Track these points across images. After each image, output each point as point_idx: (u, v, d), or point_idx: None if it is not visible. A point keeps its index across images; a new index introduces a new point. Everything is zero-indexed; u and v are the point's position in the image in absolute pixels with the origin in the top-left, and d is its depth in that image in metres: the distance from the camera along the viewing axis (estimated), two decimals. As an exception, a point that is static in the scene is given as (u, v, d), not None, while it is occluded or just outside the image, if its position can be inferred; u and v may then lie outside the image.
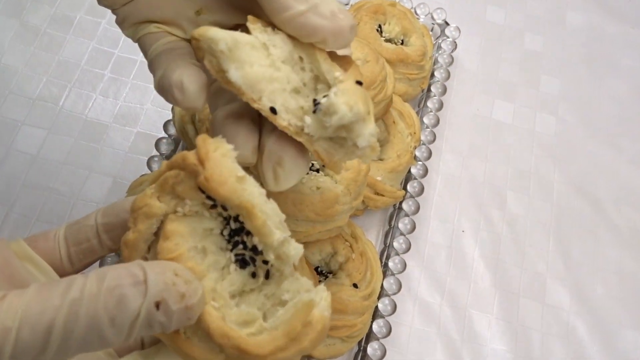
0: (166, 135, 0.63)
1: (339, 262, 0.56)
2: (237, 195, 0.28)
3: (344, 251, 0.56)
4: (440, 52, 0.73)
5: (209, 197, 0.29)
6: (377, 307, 0.57)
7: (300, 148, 0.32)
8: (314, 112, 0.31)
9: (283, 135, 0.32)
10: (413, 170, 0.65)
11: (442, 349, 0.60)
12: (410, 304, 0.62)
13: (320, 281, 0.55)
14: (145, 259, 0.31)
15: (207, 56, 0.31)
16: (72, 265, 0.33)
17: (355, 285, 0.55)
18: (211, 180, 0.28)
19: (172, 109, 0.62)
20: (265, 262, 0.30)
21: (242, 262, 0.30)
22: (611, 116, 0.76)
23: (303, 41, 0.31)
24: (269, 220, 0.29)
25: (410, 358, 0.59)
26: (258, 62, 0.30)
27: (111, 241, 0.34)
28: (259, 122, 0.33)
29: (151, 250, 0.31)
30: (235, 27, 0.33)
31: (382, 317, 0.57)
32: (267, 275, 0.30)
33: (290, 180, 0.32)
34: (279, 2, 0.29)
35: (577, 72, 0.79)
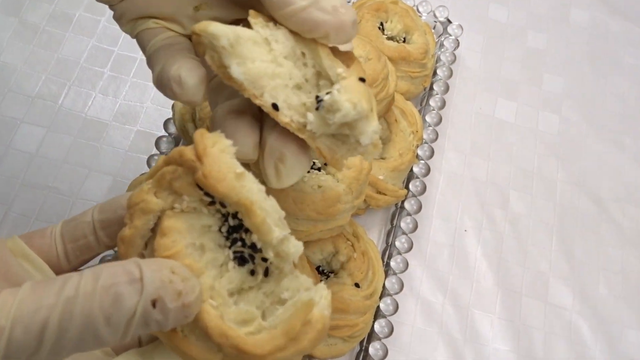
0: (166, 134, 0.63)
1: (341, 261, 0.55)
2: (236, 192, 0.28)
3: (345, 250, 0.55)
4: (442, 50, 0.73)
5: (207, 194, 0.29)
6: (378, 306, 0.57)
7: (302, 144, 0.32)
8: (317, 109, 0.31)
9: (285, 132, 0.32)
10: (415, 169, 0.65)
11: (445, 348, 0.60)
12: (412, 303, 0.61)
13: (321, 280, 0.54)
14: (142, 255, 0.30)
15: (208, 52, 0.30)
16: (68, 262, 0.33)
17: (357, 285, 0.54)
18: (209, 177, 0.27)
19: (173, 107, 0.62)
20: (265, 259, 0.29)
21: (240, 260, 0.30)
22: (615, 114, 0.76)
23: (305, 36, 0.31)
24: (268, 217, 0.28)
25: (412, 358, 0.59)
26: (260, 57, 0.30)
27: (108, 238, 0.33)
28: (260, 118, 0.33)
29: (148, 246, 0.30)
30: (234, 22, 0.33)
31: (384, 316, 0.57)
32: (266, 273, 0.30)
33: (292, 177, 0.32)
34: None
35: (581, 70, 0.78)
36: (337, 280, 0.55)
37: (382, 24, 0.68)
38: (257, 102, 0.30)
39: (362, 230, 0.58)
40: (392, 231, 0.63)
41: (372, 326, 0.56)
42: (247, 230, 0.29)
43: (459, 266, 0.64)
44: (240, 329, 0.28)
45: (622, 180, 0.71)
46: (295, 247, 0.29)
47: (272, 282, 0.30)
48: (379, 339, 0.56)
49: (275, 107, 0.31)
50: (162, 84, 0.31)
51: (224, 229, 0.30)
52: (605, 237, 0.68)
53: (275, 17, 0.30)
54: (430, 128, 0.67)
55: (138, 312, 0.24)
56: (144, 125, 0.67)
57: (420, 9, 0.75)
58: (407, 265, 0.59)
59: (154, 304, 0.25)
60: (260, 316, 0.29)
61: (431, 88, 0.71)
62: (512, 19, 0.80)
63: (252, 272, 0.30)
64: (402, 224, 0.61)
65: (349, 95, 0.29)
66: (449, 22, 0.75)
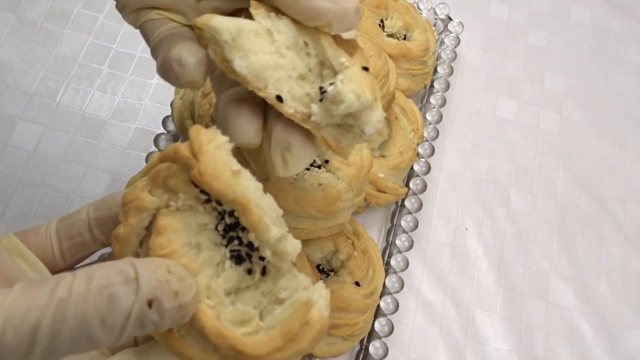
0: (165, 131, 0.62)
1: (341, 259, 0.55)
2: (232, 189, 0.27)
3: (345, 249, 0.55)
4: (443, 47, 0.73)
5: (202, 192, 0.28)
6: (379, 305, 0.56)
7: (308, 133, 0.32)
8: (321, 100, 0.30)
9: (290, 121, 0.32)
10: (416, 167, 0.64)
11: (445, 348, 0.59)
12: (412, 302, 0.61)
13: (321, 279, 0.54)
14: (137, 254, 0.30)
15: (211, 45, 0.30)
16: (64, 260, 0.33)
17: (357, 284, 0.54)
18: (205, 174, 0.27)
19: (171, 104, 0.61)
20: (262, 258, 0.29)
21: (237, 259, 0.29)
22: (616, 113, 0.75)
23: (307, 25, 0.30)
24: (265, 215, 0.28)
25: (413, 357, 0.59)
26: (262, 49, 0.30)
27: (104, 235, 0.33)
28: (263, 104, 0.33)
29: (143, 245, 0.30)
30: (236, 12, 0.32)
31: (384, 315, 0.56)
32: (264, 272, 0.29)
33: (299, 165, 0.32)
34: None
35: (582, 68, 0.78)
36: (337, 279, 0.54)
37: (382, 21, 0.68)
38: (261, 94, 0.30)
39: (363, 228, 0.58)
40: (392, 229, 0.62)
41: (373, 325, 0.56)
42: (244, 229, 0.29)
43: (460, 265, 0.64)
44: (237, 329, 0.28)
45: (623, 179, 0.71)
46: (293, 245, 0.28)
47: (270, 282, 0.29)
48: (379, 338, 0.55)
49: (279, 98, 0.30)
50: (165, 68, 0.31)
51: (220, 227, 0.29)
52: (607, 236, 0.67)
53: (278, 5, 0.30)
54: (431, 126, 0.67)
55: (134, 313, 0.24)
56: (143, 123, 0.67)
57: (421, 6, 0.74)
58: (407, 263, 0.59)
59: (150, 304, 0.24)
60: (258, 316, 0.28)
61: (432, 86, 0.70)
62: (513, 16, 0.80)
63: (249, 271, 0.29)
64: (403, 223, 0.61)
65: (352, 86, 0.29)
66: (450, 19, 0.74)
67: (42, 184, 0.62)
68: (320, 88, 0.30)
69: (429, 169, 0.64)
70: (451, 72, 0.71)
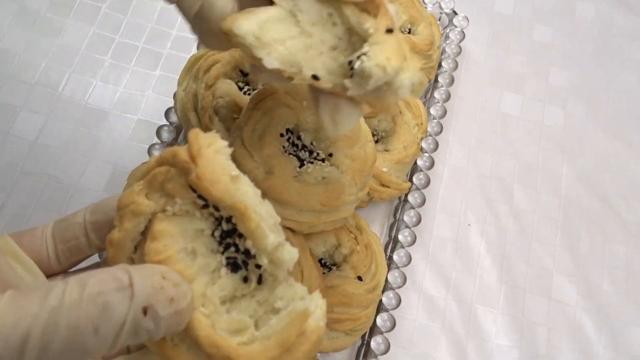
0: (167, 123, 0.62)
1: (344, 254, 0.55)
2: (230, 195, 0.27)
3: (348, 243, 0.55)
4: (447, 42, 0.72)
5: (200, 196, 0.28)
6: (381, 300, 0.56)
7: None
8: (351, 76, 0.31)
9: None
10: (419, 162, 0.64)
11: (447, 343, 0.59)
12: (414, 297, 0.61)
13: (324, 273, 0.54)
14: (132, 259, 0.29)
15: (240, 47, 0.31)
16: (59, 263, 0.32)
17: (359, 278, 0.54)
18: (203, 179, 0.26)
19: (174, 96, 0.61)
20: (258, 266, 0.28)
21: (233, 266, 0.29)
22: (620, 110, 0.75)
23: None
24: (263, 222, 0.27)
25: (414, 353, 0.58)
26: (289, 34, 0.31)
27: (99, 240, 0.32)
28: None
29: (138, 250, 0.29)
30: None
31: (386, 310, 0.56)
32: (260, 280, 0.29)
33: (348, 123, 0.34)
34: None
35: (587, 64, 0.77)
36: (339, 274, 0.54)
37: (387, 14, 0.67)
38: (298, 78, 0.31)
39: (365, 223, 0.58)
40: (395, 224, 0.62)
41: (374, 320, 0.55)
42: (240, 235, 0.28)
43: (463, 261, 0.63)
44: (232, 338, 0.27)
45: (627, 176, 0.71)
46: (290, 253, 0.28)
47: (266, 290, 0.29)
48: (381, 333, 0.55)
49: (315, 77, 0.31)
50: (198, 19, 0.32)
51: (216, 234, 0.29)
52: (610, 233, 0.67)
53: None
54: (435, 121, 0.67)
55: (128, 321, 0.23)
56: (145, 114, 0.67)
57: (426, 0, 0.74)
58: (410, 259, 0.59)
59: (144, 311, 0.24)
60: (253, 325, 0.28)
61: (436, 80, 0.70)
62: (518, 11, 0.79)
63: (245, 279, 0.29)
64: (406, 218, 0.61)
65: (377, 59, 0.29)
66: (455, 13, 0.74)
67: (44, 175, 0.61)
68: (349, 63, 0.31)
69: (432, 164, 0.64)
70: (456, 67, 0.71)
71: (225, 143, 0.28)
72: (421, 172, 0.63)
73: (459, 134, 0.70)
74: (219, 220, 0.29)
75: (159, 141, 0.61)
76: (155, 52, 0.69)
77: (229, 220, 0.28)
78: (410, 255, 0.59)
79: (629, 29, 0.80)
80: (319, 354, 0.55)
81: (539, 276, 0.64)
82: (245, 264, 0.29)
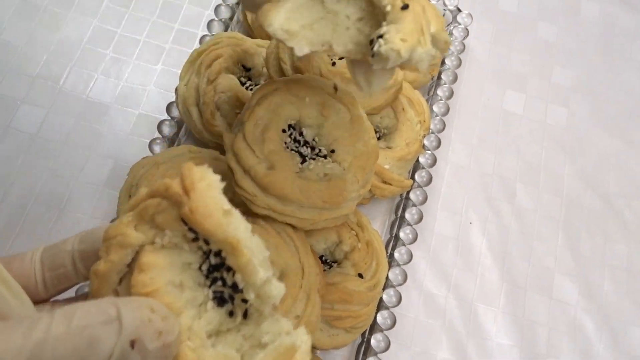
0: (169, 118, 0.62)
1: (344, 251, 0.55)
2: (223, 229, 0.27)
3: (349, 240, 0.55)
4: (451, 39, 0.72)
5: (191, 229, 0.28)
6: (381, 298, 0.56)
7: None
8: (372, 56, 0.34)
9: None
10: (421, 160, 0.63)
11: (447, 342, 0.59)
12: (415, 295, 0.61)
13: (325, 270, 0.54)
14: (116, 292, 0.29)
15: (272, 36, 0.34)
16: (46, 290, 0.31)
17: (360, 275, 0.53)
18: (196, 212, 0.26)
19: (176, 90, 0.60)
20: (245, 300, 0.28)
21: (219, 300, 0.29)
22: (623, 109, 0.74)
23: None
24: (254, 257, 0.27)
25: (415, 350, 0.58)
26: (316, 17, 0.33)
27: (86, 270, 0.31)
28: None
29: (123, 282, 0.29)
30: None
31: (387, 308, 0.56)
32: (245, 315, 0.29)
33: (381, 82, 0.37)
34: None
35: (591, 63, 0.77)
36: (340, 271, 0.54)
37: (391, 10, 0.67)
38: (329, 54, 0.34)
39: (367, 220, 0.57)
40: (396, 222, 0.62)
41: (375, 318, 0.55)
42: (228, 269, 0.28)
43: (464, 259, 0.63)
44: None
45: (629, 176, 0.70)
46: (277, 289, 0.28)
47: (252, 325, 0.29)
48: (381, 331, 0.55)
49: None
50: None
51: (204, 267, 0.29)
52: (612, 233, 0.67)
53: None
54: (438, 118, 0.66)
55: (115, 355, 0.23)
56: (146, 109, 0.66)
57: (430, -3, 0.73)
58: (411, 256, 0.58)
59: (132, 344, 0.23)
60: None
61: (439, 77, 0.69)
62: (522, 9, 0.79)
63: (231, 314, 0.29)
64: (407, 215, 0.61)
65: (392, 43, 0.32)
66: (459, 10, 0.73)
67: (44, 168, 0.61)
68: (371, 42, 0.33)
69: (434, 162, 0.64)
70: (459, 64, 0.70)
71: (217, 177, 0.28)
72: (423, 170, 0.63)
73: (461, 131, 0.70)
74: (207, 254, 0.28)
75: (160, 136, 0.60)
76: (158, 46, 0.69)
77: (217, 254, 0.28)
78: (411, 253, 0.59)
79: (632, 29, 0.80)
80: (319, 352, 0.55)
81: (539, 275, 0.63)
82: (232, 298, 0.29)
